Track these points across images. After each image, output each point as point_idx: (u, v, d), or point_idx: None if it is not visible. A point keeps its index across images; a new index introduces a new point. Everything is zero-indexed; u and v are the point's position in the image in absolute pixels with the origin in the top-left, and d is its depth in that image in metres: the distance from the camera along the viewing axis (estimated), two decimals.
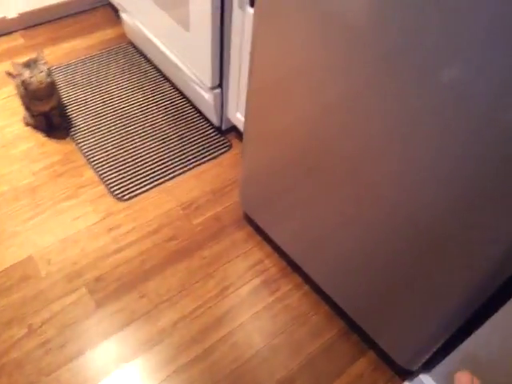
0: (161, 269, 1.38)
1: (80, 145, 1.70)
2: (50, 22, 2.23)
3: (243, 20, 1.36)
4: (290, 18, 0.90)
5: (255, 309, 1.31)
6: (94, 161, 1.66)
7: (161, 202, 1.55)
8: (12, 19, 2.12)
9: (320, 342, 1.27)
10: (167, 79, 1.97)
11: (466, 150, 0.73)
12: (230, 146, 1.74)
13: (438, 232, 0.86)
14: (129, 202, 1.54)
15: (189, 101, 1.88)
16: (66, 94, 1.88)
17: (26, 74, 1.52)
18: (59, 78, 1.94)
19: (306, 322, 1.29)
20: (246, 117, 1.22)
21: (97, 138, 1.73)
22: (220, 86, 1.62)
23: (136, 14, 1.89)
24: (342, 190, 1.02)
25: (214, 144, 1.74)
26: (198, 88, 1.71)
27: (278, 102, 1.06)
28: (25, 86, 1.55)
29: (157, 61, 1.97)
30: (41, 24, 2.21)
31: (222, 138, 1.76)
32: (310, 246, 1.24)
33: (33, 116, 1.69)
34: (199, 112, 1.84)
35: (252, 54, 1.06)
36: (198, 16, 1.47)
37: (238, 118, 1.64)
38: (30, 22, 2.19)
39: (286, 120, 1.07)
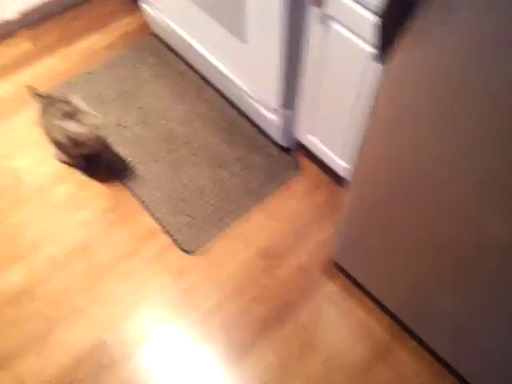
0: (252, 342, 1.20)
1: (125, 182, 1.46)
2: (56, 15, 1.88)
3: (326, 37, 1.07)
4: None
5: None
6: (147, 201, 1.42)
7: (235, 251, 1.34)
8: (14, 20, 1.78)
9: None
10: (209, 83, 1.67)
11: None
12: (299, 168, 1.49)
13: None
14: (199, 253, 1.34)
15: (240, 111, 1.60)
16: None
17: (73, 127, 1.26)
18: (82, 93, 1.64)
19: None
20: (356, 164, 0.98)
21: (143, 170, 1.48)
22: (287, 105, 1.35)
23: (168, 12, 1.56)
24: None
25: (281, 166, 1.49)
26: (257, 105, 1.44)
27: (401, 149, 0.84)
28: (72, 140, 1.30)
29: (197, 64, 1.65)
30: (46, 20, 1.87)
31: (288, 159, 1.51)
32: (425, 309, 1.06)
33: (71, 156, 1.44)
34: (255, 126, 1.57)
35: (375, 110, 0.82)
36: (259, 27, 1.17)
37: (309, 139, 1.38)
38: (35, 20, 1.85)
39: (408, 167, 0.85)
